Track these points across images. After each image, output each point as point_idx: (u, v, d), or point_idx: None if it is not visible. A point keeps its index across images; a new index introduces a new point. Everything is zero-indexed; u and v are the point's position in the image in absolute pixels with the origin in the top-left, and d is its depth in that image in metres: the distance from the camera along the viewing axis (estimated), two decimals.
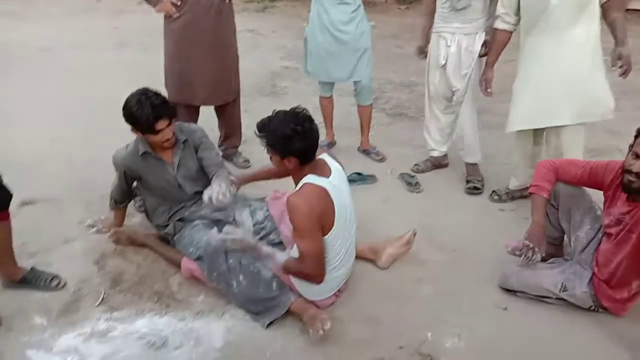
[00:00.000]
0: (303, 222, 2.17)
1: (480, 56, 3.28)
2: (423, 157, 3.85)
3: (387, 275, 2.67)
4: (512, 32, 3.07)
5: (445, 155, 3.79)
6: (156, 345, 2.23)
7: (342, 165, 2.45)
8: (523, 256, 2.40)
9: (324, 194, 2.19)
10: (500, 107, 4.90)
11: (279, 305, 2.33)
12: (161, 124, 2.51)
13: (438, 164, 3.79)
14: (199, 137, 2.79)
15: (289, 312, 2.34)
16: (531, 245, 2.38)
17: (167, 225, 2.77)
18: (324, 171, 2.28)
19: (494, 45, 3.14)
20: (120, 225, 2.94)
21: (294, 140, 2.16)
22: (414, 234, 2.75)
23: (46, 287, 2.51)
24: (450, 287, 2.60)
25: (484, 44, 3.24)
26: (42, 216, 3.15)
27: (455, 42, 3.28)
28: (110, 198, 2.89)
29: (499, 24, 3.07)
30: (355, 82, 3.78)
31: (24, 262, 2.66)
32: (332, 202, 2.21)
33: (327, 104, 3.98)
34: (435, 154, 3.73)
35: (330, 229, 2.23)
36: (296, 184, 2.28)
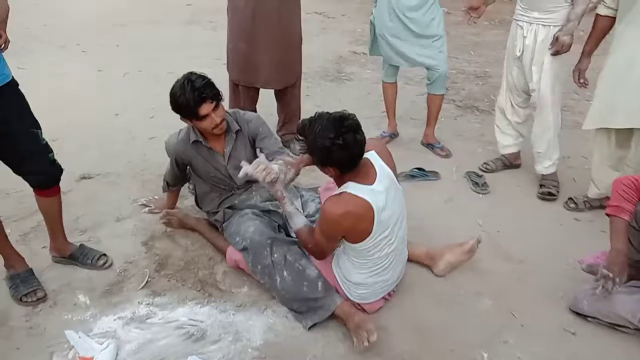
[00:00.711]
0: (328, 228, 2.07)
1: (552, 54, 2.96)
2: (493, 156, 3.58)
3: (443, 283, 2.47)
4: (614, 19, 2.76)
5: (518, 155, 3.50)
6: (194, 337, 2.15)
7: (394, 167, 2.23)
8: (600, 287, 2.12)
9: (361, 205, 2.01)
10: (583, 105, 4.53)
11: (322, 307, 2.19)
12: (205, 109, 2.34)
13: (509, 163, 3.50)
14: (255, 127, 2.62)
15: (333, 316, 2.20)
16: (611, 276, 2.10)
17: (217, 212, 2.69)
18: (368, 176, 2.08)
19: (594, 32, 2.89)
20: (172, 207, 2.90)
21: (334, 152, 1.97)
22: (478, 242, 2.51)
23: (93, 265, 2.49)
24: (513, 303, 2.36)
25: (555, 39, 2.92)
26: (98, 192, 3.16)
27: (532, 32, 3.01)
28: (163, 180, 2.85)
29: (600, 10, 2.83)
30: (429, 70, 3.55)
31: (75, 237, 2.68)
32: (373, 212, 2.02)
33: (390, 90, 3.77)
34: (508, 150, 3.45)
35: (367, 237, 2.06)
36: (338, 186, 2.13)
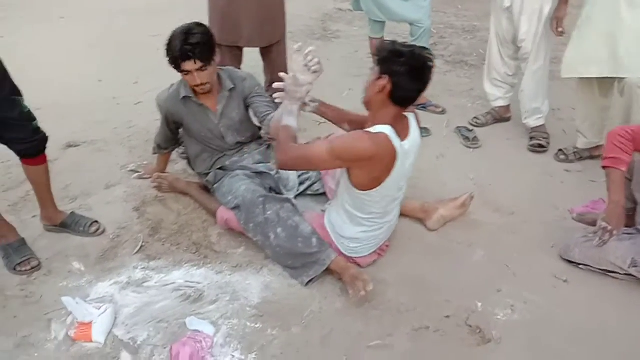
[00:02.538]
0: (343, 150, 1.96)
1: None
2: (483, 110, 3.57)
3: (436, 237, 2.49)
4: None
5: (509, 108, 3.49)
6: (192, 298, 2.16)
7: (420, 129, 2.23)
8: (598, 239, 2.14)
9: (390, 154, 1.98)
10: None
11: (317, 262, 2.20)
12: (188, 65, 2.31)
13: (500, 117, 3.49)
14: (250, 86, 2.59)
15: (328, 271, 2.21)
16: (609, 228, 2.12)
17: (209, 173, 2.67)
18: (403, 132, 2.06)
19: None
20: (162, 171, 2.86)
21: (402, 61, 1.91)
22: (472, 198, 2.53)
23: (85, 232, 2.47)
24: (506, 253, 2.39)
25: None
26: (86, 159, 3.11)
27: None
28: (154, 142, 2.80)
29: None
30: (411, 25, 3.49)
31: (66, 206, 2.65)
32: (393, 167, 2.01)
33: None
34: (499, 103, 3.43)
35: (376, 186, 2.05)
36: (370, 124, 2.03)
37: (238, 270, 2.31)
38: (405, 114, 2.10)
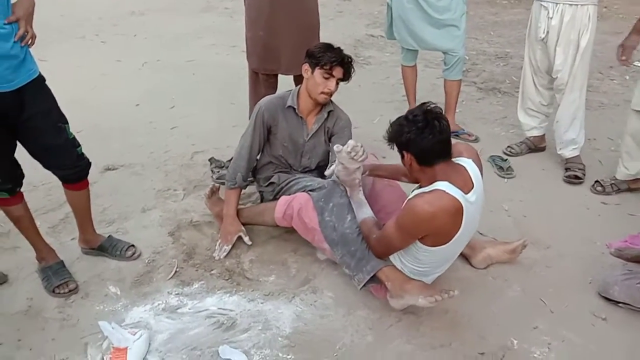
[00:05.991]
0: (412, 225, 1.95)
1: None
2: (517, 139, 3.54)
3: (471, 271, 2.46)
4: None
5: (543, 138, 3.45)
6: (224, 326, 2.17)
7: (481, 170, 2.11)
8: None
9: (454, 206, 1.89)
10: (607, 84, 4.44)
11: (376, 259, 2.17)
12: (337, 71, 2.47)
13: (534, 147, 3.46)
14: (342, 126, 2.68)
15: (376, 278, 2.18)
16: None
17: (270, 178, 2.72)
18: (465, 184, 1.95)
19: None
20: (233, 213, 2.64)
21: (405, 130, 1.92)
22: (524, 246, 2.44)
23: (122, 256, 2.52)
24: (542, 289, 2.34)
25: None
26: (123, 183, 3.19)
27: (559, 13, 2.92)
28: (230, 179, 2.64)
29: None
30: (445, 54, 3.50)
31: (103, 229, 2.70)
32: (462, 217, 1.93)
33: (409, 74, 3.73)
34: (533, 133, 3.40)
35: (442, 244, 2.00)
36: (427, 185, 1.98)
37: (270, 298, 2.32)
38: (461, 163, 2.01)
